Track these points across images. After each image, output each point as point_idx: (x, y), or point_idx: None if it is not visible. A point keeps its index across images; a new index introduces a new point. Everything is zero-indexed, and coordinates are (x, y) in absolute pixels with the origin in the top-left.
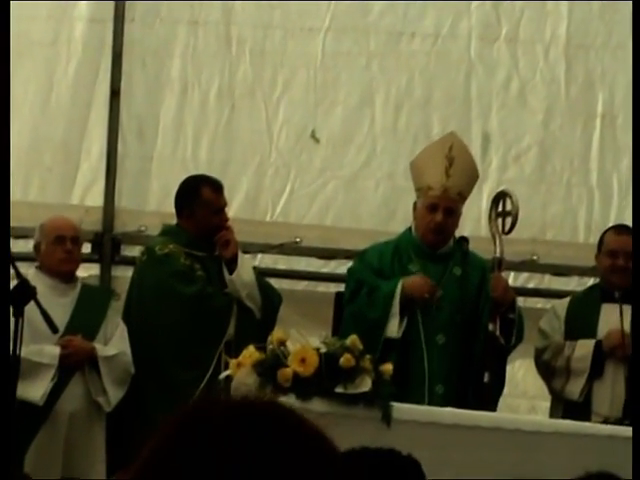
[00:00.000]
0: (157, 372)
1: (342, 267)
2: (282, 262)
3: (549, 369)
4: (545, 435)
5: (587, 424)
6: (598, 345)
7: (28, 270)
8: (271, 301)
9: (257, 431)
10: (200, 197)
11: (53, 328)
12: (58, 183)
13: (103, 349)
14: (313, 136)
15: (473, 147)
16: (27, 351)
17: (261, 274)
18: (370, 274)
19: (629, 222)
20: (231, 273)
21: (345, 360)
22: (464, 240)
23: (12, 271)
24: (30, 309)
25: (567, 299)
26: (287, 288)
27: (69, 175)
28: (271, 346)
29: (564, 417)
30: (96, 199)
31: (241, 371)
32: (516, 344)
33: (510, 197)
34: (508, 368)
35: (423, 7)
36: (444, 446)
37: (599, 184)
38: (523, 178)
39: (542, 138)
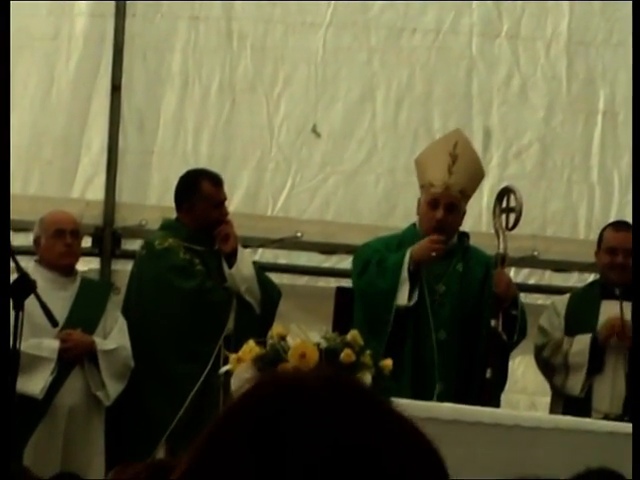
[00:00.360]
0: (156, 366)
1: (343, 262)
2: (282, 257)
3: (549, 366)
4: (545, 431)
5: (587, 420)
6: (595, 339)
7: (28, 264)
8: (270, 296)
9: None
10: (200, 191)
11: (53, 322)
12: (59, 177)
13: (102, 343)
14: (314, 131)
15: (474, 143)
16: (26, 345)
17: (262, 269)
18: (377, 254)
19: (630, 218)
20: (230, 267)
21: (345, 355)
22: (464, 235)
23: (12, 264)
24: (29, 303)
25: (567, 296)
26: (287, 283)
27: (70, 169)
28: (271, 341)
29: (564, 413)
30: (97, 193)
31: (241, 366)
32: (519, 340)
33: (514, 193)
34: (508, 364)
35: (424, 3)
36: (443, 442)
37: (600, 180)
38: (524, 174)
39: (543, 134)
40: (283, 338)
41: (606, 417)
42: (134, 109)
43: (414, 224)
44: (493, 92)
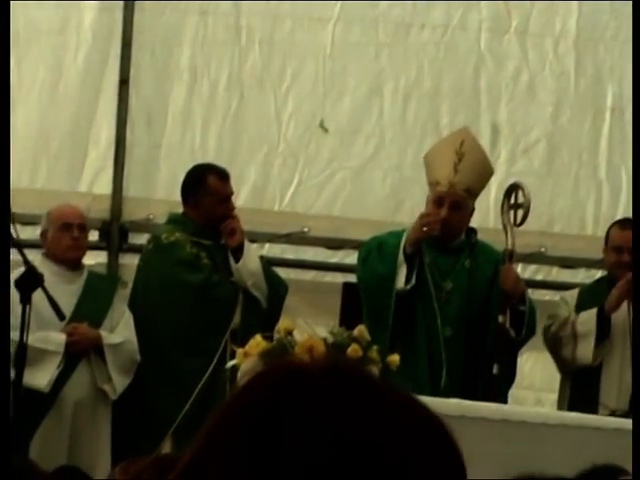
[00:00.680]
0: (162, 360)
1: (349, 257)
2: (290, 252)
3: (556, 340)
4: (551, 427)
5: (593, 417)
6: (601, 310)
7: (35, 257)
8: (277, 290)
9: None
10: (206, 186)
11: (60, 315)
12: (66, 171)
13: (109, 337)
14: (322, 126)
15: (482, 139)
16: (33, 338)
17: (269, 264)
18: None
19: None
20: (237, 262)
21: (352, 350)
22: (472, 232)
23: (20, 258)
24: (36, 296)
25: (576, 290)
26: (294, 278)
27: (77, 163)
28: (278, 336)
29: (571, 409)
30: (104, 187)
31: (248, 360)
32: (527, 337)
33: (522, 189)
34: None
35: None
36: None
37: (608, 177)
38: (532, 171)
39: (551, 131)
40: (290, 333)
41: (613, 413)
42: (142, 103)
43: None
44: (501, 88)
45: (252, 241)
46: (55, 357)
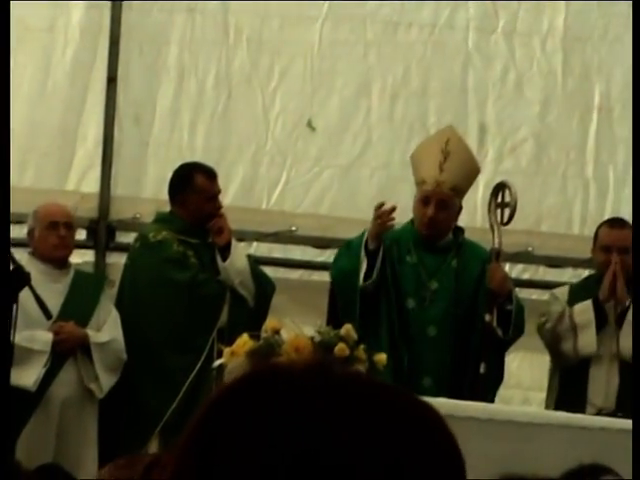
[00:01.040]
0: (150, 359)
1: None
2: (277, 251)
3: (555, 334)
4: (538, 426)
5: (581, 416)
6: (596, 299)
7: (22, 256)
8: (264, 289)
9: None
10: (193, 184)
11: (47, 314)
12: (54, 169)
13: (96, 335)
14: (309, 125)
15: (469, 138)
16: (19, 337)
17: (256, 262)
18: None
19: (624, 215)
20: (224, 260)
21: (339, 350)
22: (459, 231)
23: None
24: (22, 295)
25: (566, 286)
26: (282, 277)
27: (65, 161)
28: (265, 335)
29: (559, 408)
30: (92, 185)
31: (235, 359)
32: (515, 336)
33: (509, 188)
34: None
35: None
36: None
37: (595, 176)
38: (519, 169)
39: (538, 130)
40: (277, 332)
41: (600, 412)
42: (130, 101)
43: (412, 220)
44: (489, 87)
45: (239, 240)
46: (42, 356)
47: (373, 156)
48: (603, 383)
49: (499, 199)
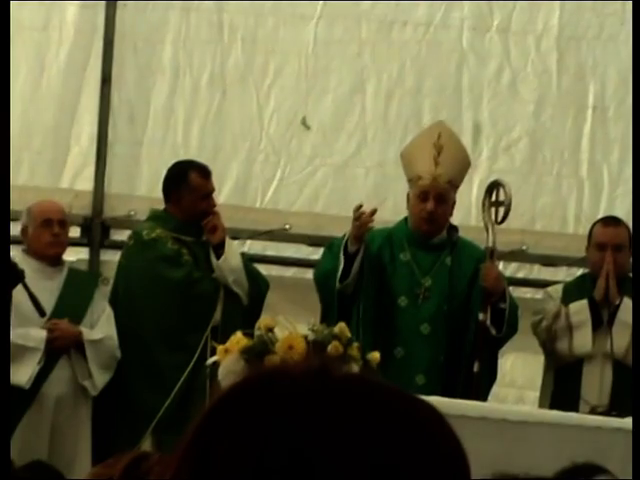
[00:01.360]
0: (143, 356)
1: None
2: (271, 248)
3: (550, 333)
4: (532, 425)
5: (574, 415)
6: (592, 299)
7: (16, 253)
8: (258, 287)
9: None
10: (188, 182)
11: (41, 312)
12: (48, 167)
13: (89, 333)
14: (304, 123)
15: (464, 137)
16: (14, 334)
17: (250, 260)
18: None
19: (619, 213)
20: (218, 258)
21: (333, 348)
22: (454, 229)
23: None
24: (16, 292)
25: (560, 285)
26: (276, 275)
27: (59, 159)
28: (259, 332)
29: (553, 407)
30: (86, 183)
31: (228, 357)
32: (509, 335)
33: (503, 187)
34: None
35: None
36: None
37: (589, 175)
38: (513, 168)
39: (533, 129)
40: (271, 330)
41: (593, 410)
42: (124, 100)
43: (405, 219)
44: (483, 86)
45: (234, 238)
46: (35, 353)
47: (367, 155)
48: (597, 381)
49: (493, 198)
